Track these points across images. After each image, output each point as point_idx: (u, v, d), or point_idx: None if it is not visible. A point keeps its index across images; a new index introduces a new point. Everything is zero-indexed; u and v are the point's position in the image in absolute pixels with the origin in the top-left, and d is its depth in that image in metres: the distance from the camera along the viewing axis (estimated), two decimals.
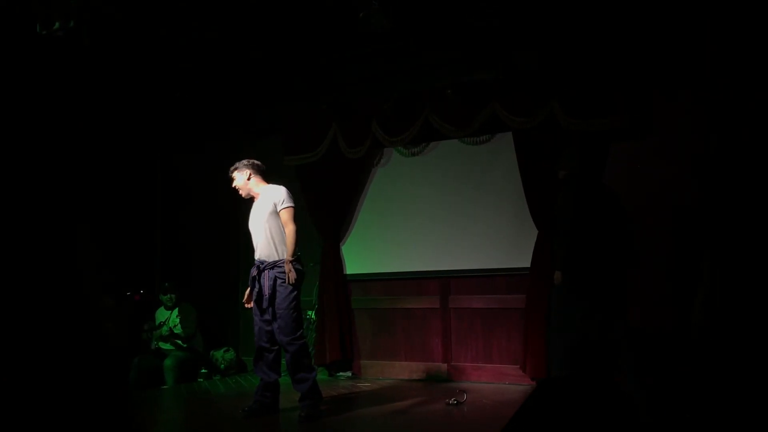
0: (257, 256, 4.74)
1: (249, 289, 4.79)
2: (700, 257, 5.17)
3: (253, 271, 4.70)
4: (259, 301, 4.66)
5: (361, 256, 6.88)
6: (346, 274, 6.89)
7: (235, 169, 4.89)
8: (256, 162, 4.92)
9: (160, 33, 5.45)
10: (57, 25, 4.92)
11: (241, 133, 7.39)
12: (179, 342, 6.65)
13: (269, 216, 4.67)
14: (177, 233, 7.72)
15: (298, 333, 4.62)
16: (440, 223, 6.44)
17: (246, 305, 4.82)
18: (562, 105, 5.60)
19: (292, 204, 4.72)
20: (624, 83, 5.49)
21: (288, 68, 6.23)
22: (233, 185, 4.90)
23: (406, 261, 6.63)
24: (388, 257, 6.71)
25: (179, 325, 6.65)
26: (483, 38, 5.66)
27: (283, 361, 4.74)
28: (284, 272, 4.58)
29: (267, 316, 4.63)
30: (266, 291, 4.59)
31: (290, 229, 4.64)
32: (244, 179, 4.85)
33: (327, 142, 6.73)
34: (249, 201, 4.95)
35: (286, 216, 4.67)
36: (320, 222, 6.89)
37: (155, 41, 5.58)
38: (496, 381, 6.03)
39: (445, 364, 6.36)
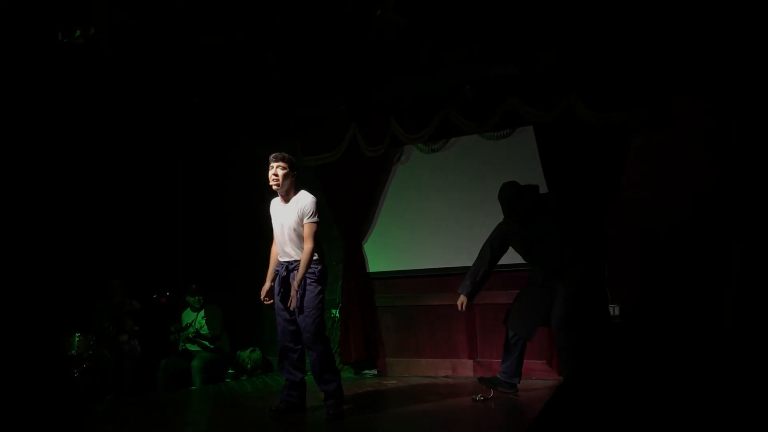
0: (284, 258, 4.71)
1: (268, 285, 4.77)
2: (723, 249, 5.11)
3: (282, 272, 4.68)
4: (285, 302, 4.67)
5: (383, 254, 6.88)
6: (369, 273, 6.90)
7: (284, 158, 4.64)
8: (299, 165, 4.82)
9: (175, 38, 5.48)
10: (78, 32, 4.99)
11: (259, 135, 7.43)
12: (206, 343, 6.71)
13: (297, 224, 4.61)
14: (200, 235, 7.79)
15: (324, 333, 4.64)
16: (462, 218, 6.42)
17: (265, 301, 4.81)
18: (582, 98, 5.56)
19: (317, 219, 4.59)
20: (643, 75, 5.44)
21: (305, 69, 6.24)
22: (275, 172, 4.62)
23: (429, 258, 6.62)
24: (410, 254, 6.71)
25: (205, 327, 6.70)
26: (500, 34, 5.63)
27: (308, 360, 4.76)
28: (313, 272, 4.58)
29: (292, 316, 4.65)
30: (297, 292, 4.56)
31: (308, 247, 4.53)
32: (288, 175, 4.64)
33: (346, 141, 6.74)
34: (269, 198, 4.89)
35: (308, 231, 4.56)
36: (342, 221, 6.91)
37: (171, 46, 5.62)
38: (523, 377, 5.97)
39: (471, 361, 6.35)
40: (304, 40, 5.66)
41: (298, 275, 4.52)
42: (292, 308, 4.56)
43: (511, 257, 6.16)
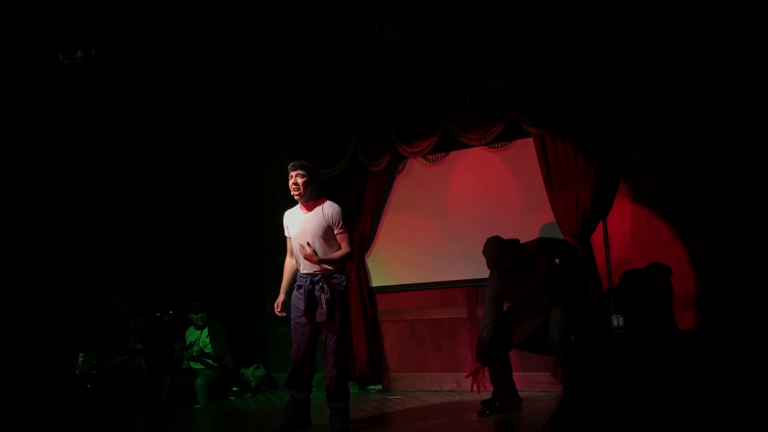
0: (307, 270, 4.61)
1: (282, 297, 4.74)
2: (728, 253, 5.11)
3: (307, 285, 4.56)
4: (310, 316, 4.59)
5: (386, 267, 6.86)
6: (372, 287, 6.88)
7: (302, 166, 4.58)
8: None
9: (177, 52, 5.50)
10: (79, 53, 5.02)
11: (262, 150, 7.45)
12: (209, 361, 6.68)
13: (324, 234, 4.56)
14: (203, 252, 7.78)
15: (346, 351, 4.63)
16: (464, 231, 6.39)
17: (279, 315, 4.76)
18: (582, 108, 5.55)
19: (347, 228, 4.62)
20: (642, 83, 5.43)
21: (305, 84, 6.26)
22: (295, 181, 4.55)
23: (432, 271, 6.59)
24: (413, 268, 6.68)
25: (209, 345, 6.68)
26: (499, 45, 5.64)
27: (318, 376, 4.71)
28: (339, 282, 4.55)
29: (309, 331, 4.60)
30: (324, 305, 4.50)
31: (345, 250, 4.59)
32: (308, 183, 4.57)
33: (347, 155, 6.73)
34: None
35: (344, 241, 4.59)
36: None
37: (173, 61, 5.64)
38: (529, 389, 5.95)
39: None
40: (305, 53, 5.68)
41: (328, 258, 4.50)
42: (323, 319, 4.49)
43: None
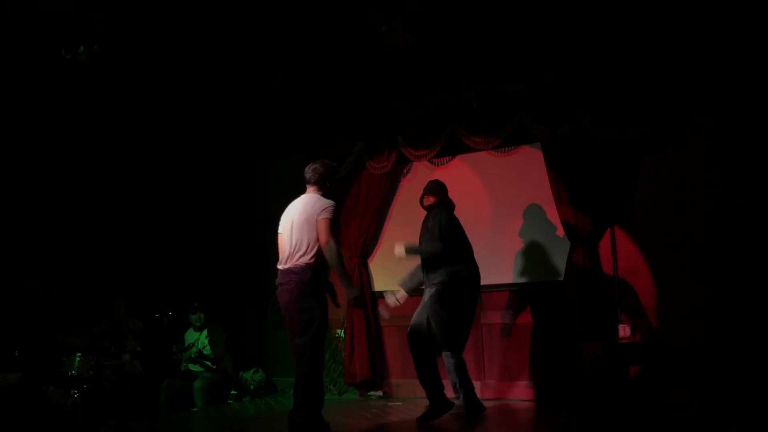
0: (281, 264, 4.45)
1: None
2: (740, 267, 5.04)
3: (280, 280, 4.44)
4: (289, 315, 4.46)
5: (389, 271, 6.75)
6: (375, 291, 6.79)
7: (324, 165, 4.59)
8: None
9: (183, 54, 5.45)
10: (81, 49, 4.96)
11: (267, 153, 7.39)
12: (208, 364, 6.60)
13: (306, 220, 4.34)
14: (205, 255, 7.70)
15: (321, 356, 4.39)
16: (469, 236, 6.29)
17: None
18: (591, 115, 5.47)
19: (331, 221, 4.35)
20: (653, 92, 5.37)
21: (312, 86, 6.21)
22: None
23: None
24: None
25: (208, 347, 6.60)
26: (508, 51, 5.58)
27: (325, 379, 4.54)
28: (303, 279, 4.29)
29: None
30: (297, 303, 4.32)
31: (329, 246, 4.31)
32: (322, 176, 4.53)
33: (353, 157, 6.66)
34: (278, 216, 4.73)
35: (324, 228, 4.32)
36: (349, 238, 6.82)
37: (179, 64, 5.59)
38: (532, 398, 5.87)
39: (478, 382, 6.19)
40: (312, 55, 5.62)
41: (345, 277, 4.40)
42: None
43: (519, 277, 6.08)
